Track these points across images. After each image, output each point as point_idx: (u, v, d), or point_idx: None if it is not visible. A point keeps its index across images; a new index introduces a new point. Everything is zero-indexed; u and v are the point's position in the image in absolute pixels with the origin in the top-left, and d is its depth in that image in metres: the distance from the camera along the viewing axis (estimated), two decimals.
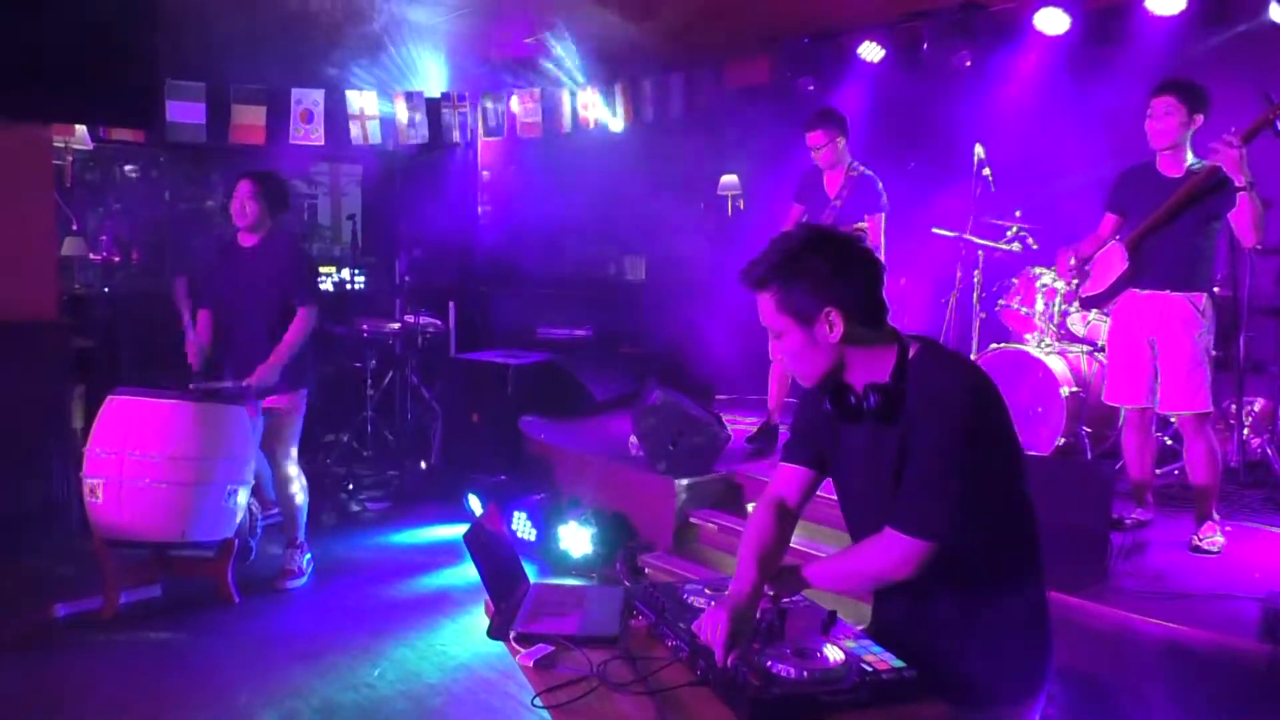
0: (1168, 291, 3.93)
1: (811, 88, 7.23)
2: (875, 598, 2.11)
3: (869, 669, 1.76)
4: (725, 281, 7.23)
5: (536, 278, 8.50)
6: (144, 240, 8.18)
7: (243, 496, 4.42)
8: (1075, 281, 4.23)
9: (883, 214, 5.30)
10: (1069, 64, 5.80)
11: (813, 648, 1.81)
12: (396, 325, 7.22)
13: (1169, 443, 4.91)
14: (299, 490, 4.74)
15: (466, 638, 4.17)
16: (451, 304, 7.42)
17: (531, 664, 1.88)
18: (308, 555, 4.81)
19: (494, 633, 2.06)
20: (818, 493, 2.16)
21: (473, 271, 7.91)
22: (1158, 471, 4.50)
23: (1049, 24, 5.75)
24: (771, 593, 1.97)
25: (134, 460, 4.10)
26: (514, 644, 1.97)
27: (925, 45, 6.46)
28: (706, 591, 2.10)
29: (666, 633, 1.95)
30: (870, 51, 6.81)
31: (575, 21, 6.76)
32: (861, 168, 5.42)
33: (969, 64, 6.24)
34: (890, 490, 1.86)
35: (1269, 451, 4.92)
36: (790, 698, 1.67)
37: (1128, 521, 4.12)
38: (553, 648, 1.93)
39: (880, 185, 5.35)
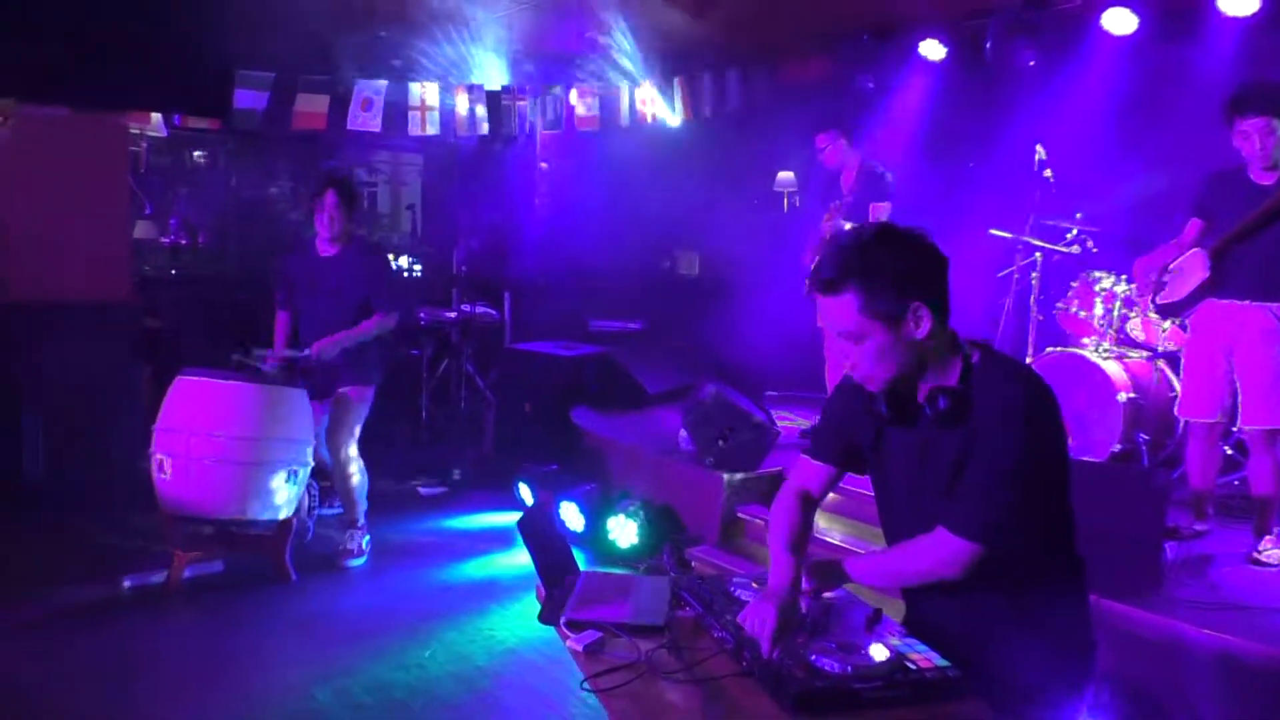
0: (1249, 302, 3.84)
1: (871, 85, 7.18)
2: (912, 595, 2.11)
3: (913, 666, 1.77)
4: (779, 278, 7.25)
5: (590, 270, 8.56)
6: (210, 225, 8.39)
7: (302, 477, 4.55)
8: (1154, 291, 4.14)
9: (888, 203, 5.34)
10: (1137, 64, 5.68)
11: (858, 643, 1.83)
12: (454, 314, 7.34)
13: (1229, 453, 4.82)
14: (358, 474, 4.86)
15: (515, 623, 4.25)
16: (507, 294, 7.51)
17: (581, 649, 1.93)
18: (366, 537, 4.93)
19: (544, 618, 2.11)
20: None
21: (528, 263, 7.99)
22: (1218, 482, 4.43)
23: (1117, 24, 5.65)
24: (813, 587, 2.00)
25: (200, 439, 4.23)
26: (564, 629, 2.02)
27: (989, 44, 6.38)
28: (754, 585, 2.13)
29: (713, 624, 1.98)
30: (932, 50, 6.75)
31: (634, 16, 6.78)
32: (873, 163, 5.47)
33: (1032, 63, 6.15)
34: (944, 492, 1.86)
35: None
36: (833, 692, 1.69)
37: (1185, 532, 4.06)
38: (601, 634, 1.97)
39: (889, 176, 5.44)
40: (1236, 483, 4.71)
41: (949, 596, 1.94)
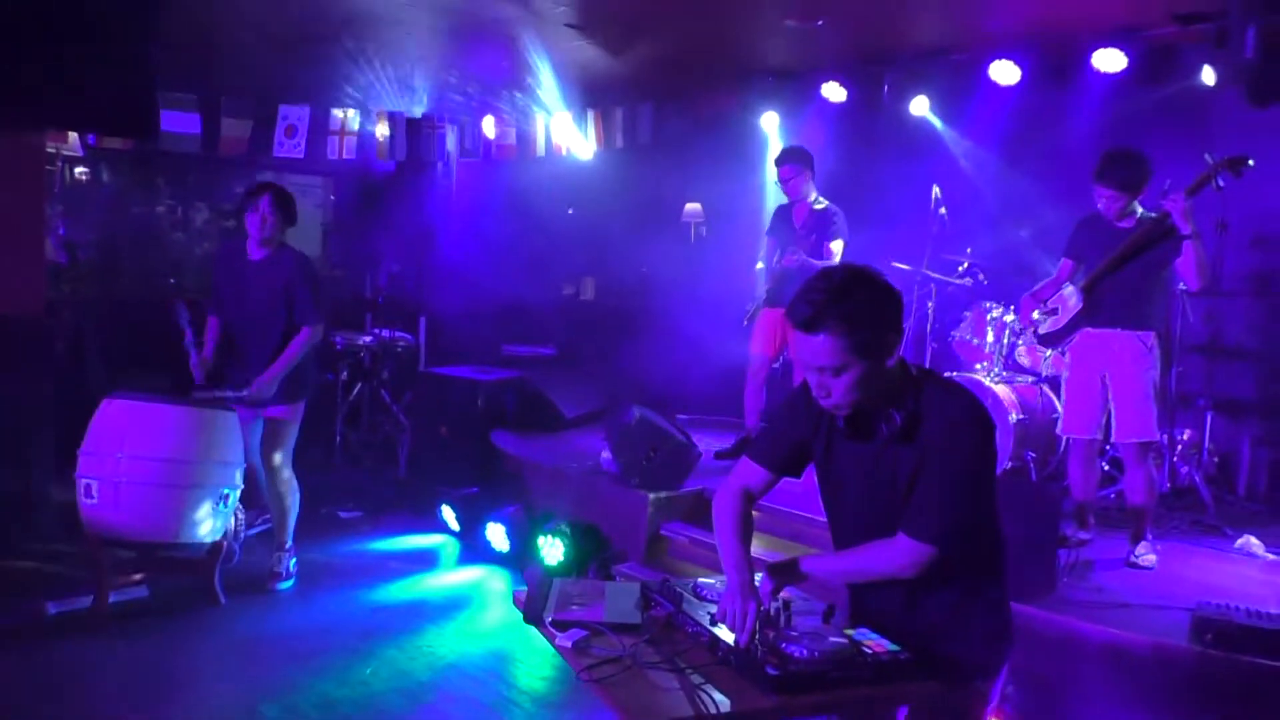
0: (1119, 329, 4.29)
1: (777, 122, 7.58)
2: (857, 590, 2.34)
3: (869, 652, 2.02)
4: (689, 306, 7.51)
5: (501, 296, 8.71)
6: (94, 244, 8.21)
7: (232, 500, 4.56)
8: (1038, 318, 4.57)
9: (842, 241, 5.68)
10: (1020, 112, 6.19)
11: (820, 633, 2.07)
12: (368, 338, 7.37)
13: (1106, 468, 5.29)
14: (291, 496, 4.88)
15: (452, 640, 4.36)
16: (423, 319, 7.59)
17: (570, 645, 2.11)
18: (294, 559, 4.95)
19: (529, 619, 2.27)
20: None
21: (443, 287, 8.08)
22: (1097, 495, 4.87)
23: (1002, 74, 6.15)
24: (774, 586, 2.22)
25: (130, 462, 4.22)
26: (550, 629, 2.19)
27: (885, 89, 6.84)
28: (717, 586, 2.34)
29: (686, 621, 2.19)
30: (833, 92, 7.17)
31: (552, 49, 6.99)
32: (824, 201, 5.80)
33: (926, 110, 6.63)
34: (899, 501, 2.11)
35: (1196, 478, 5.32)
36: (804, 675, 1.92)
37: (1072, 540, 4.45)
38: (586, 632, 2.15)
39: (840, 217, 5.73)
40: (1113, 495, 5.18)
41: (893, 590, 2.19)
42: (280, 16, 5.95)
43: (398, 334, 7.42)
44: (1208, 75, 5.35)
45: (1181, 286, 4.92)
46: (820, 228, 5.72)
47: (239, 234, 4.93)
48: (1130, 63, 5.64)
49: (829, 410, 2.18)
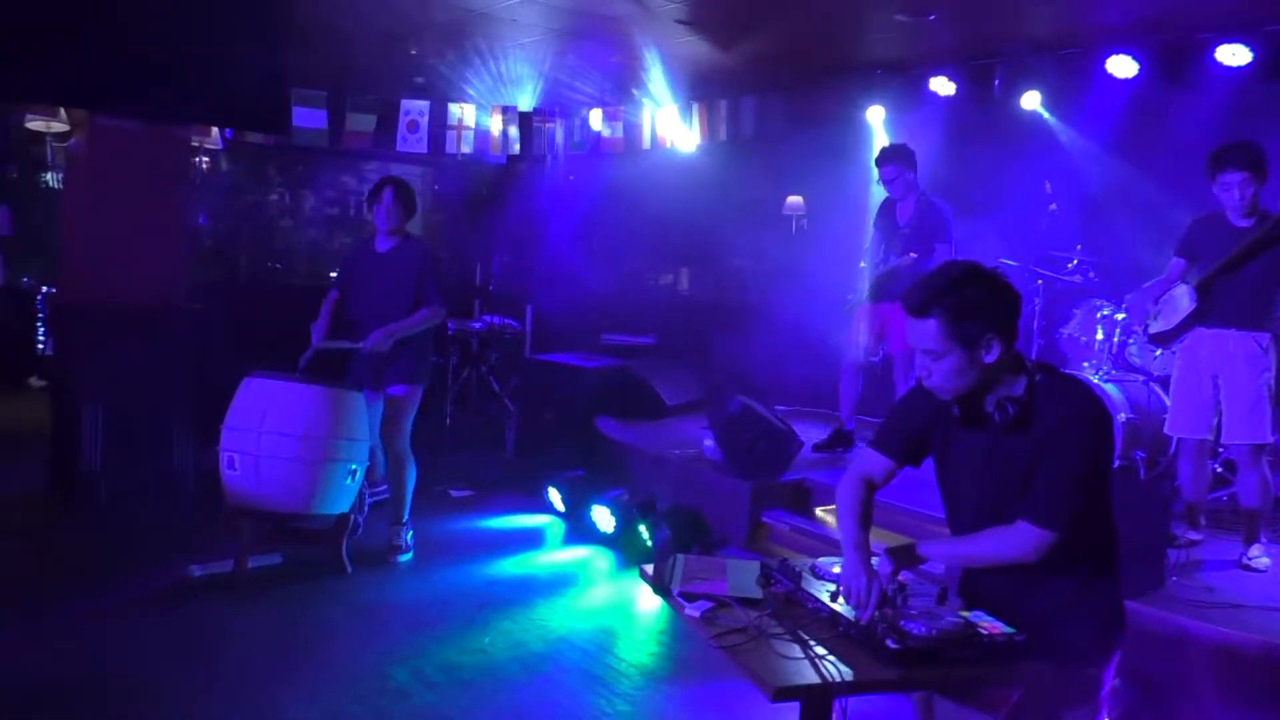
0: (1234, 330, 4.23)
1: (883, 115, 7.59)
2: (970, 575, 2.43)
3: (985, 633, 2.12)
4: (788, 298, 7.58)
5: (602, 286, 8.92)
6: (213, 232, 8.70)
7: (360, 475, 4.84)
8: (1152, 318, 4.54)
9: (951, 242, 5.67)
10: (1136, 108, 6.10)
11: (937, 613, 2.17)
12: (478, 324, 7.64)
13: (1219, 470, 5.20)
14: (409, 474, 5.15)
15: (563, 615, 4.56)
16: (529, 307, 7.83)
17: (699, 615, 2.25)
18: (411, 532, 5.22)
19: (658, 591, 2.42)
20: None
21: (547, 277, 8.32)
22: (1209, 496, 4.81)
23: (1119, 68, 6.06)
24: (893, 568, 2.33)
25: (270, 438, 4.51)
26: (679, 600, 2.34)
27: (996, 83, 6.79)
28: (834, 567, 2.45)
29: (806, 597, 2.32)
30: (942, 85, 7.14)
31: (658, 44, 7.13)
32: (931, 197, 5.80)
33: (1038, 104, 6.57)
34: (1013, 488, 2.21)
35: None
36: (923, 651, 2.03)
37: (1181, 540, 4.43)
38: (712, 604, 2.30)
39: (948, 214, 5.72)
40: (1225, 498, 5.10)
41: (1007, 576, 2.28)
42: (400, 16, 6.24)
43: (506, 321, 7.68)
44: None
45: None
46: (927, 227, 5.73)
47: (352, 224, 5.26)
48: (1255, 57, 5.51)
49: (932, 391, 2.30)
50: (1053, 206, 5.90)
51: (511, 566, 5.24)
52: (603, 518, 5.67)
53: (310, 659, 3.91)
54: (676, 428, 6.90)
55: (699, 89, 7.91)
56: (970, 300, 2.20)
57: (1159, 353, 5.40)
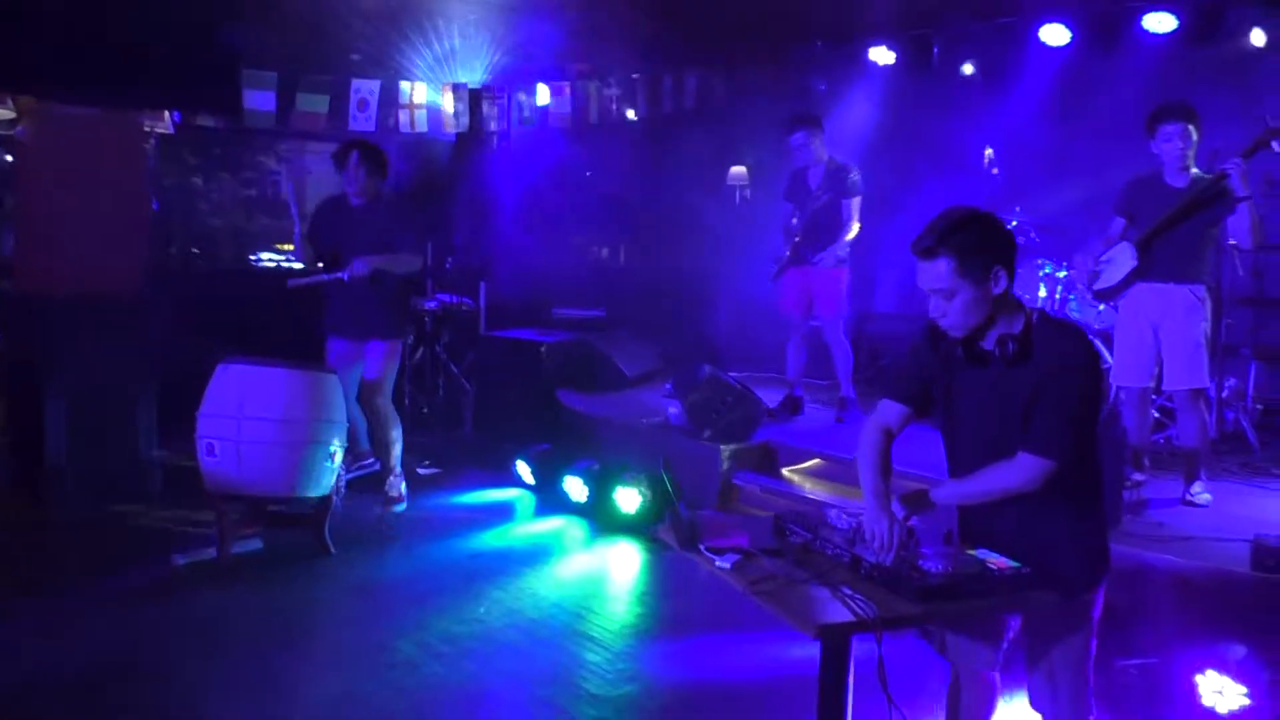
0: (1173, 283, 4.51)
1: (823, 88, 7.78)
2: (967, 515, 2.61)
3: (994, 568, 2.31)
4: (732, 266, 7.75)
5: (552, 261, 8.99)
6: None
7: (339, 456, 4.88)
8: (1095, 275, 4.79)
9: (857, 197, 5.87)
10: (1069, 74, 6.39)
11: (949, 553, 2.35)
12: (432, 303, 7.65)
13: (1157, 415, 5.54)
14: (395, 427, 5.38)
15: (548, 582, 4.70)
16: (483, 284, 7.87)
17: (729, 566, 2.40)
18: (404, 482, 5.44)
19: (685, 546, 2.56)
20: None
21: (498, 253, 8.36)
22: (1150, 439, 5.14)
23: (1052, 37, 6.34)
24: (906, 513, 2.50)
25: (250, 423, 4.53)
26: (707, 553, 2.48)
27: (935, 51, 7.03)
28: (845, 515, 2.62)
29: (825, 545, 2.48)
30: (881, 55, 7.36)
31: (606, 18, 7.20)
32: (838, 160, 5.98)
33: (975, 72, 6.82)
34: (1016, 421, 2.38)
35: (1243, 423, 5.58)
36: (944, 586, 2.21)
37: (1129, 481, 4.72)
38: (740, 556, 2.44)
39: (855, 173, 5.91)
40: (1163, 440, 5.44)
41: (1005, 514, 2.46)
42: None
43: (461, 299, 7.71)
44: (1257, 36, 5.54)
45: (1232, 242, 5.12)
46: (835, 186, 5.87)
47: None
48: (1180, 24, 5.83)
49: (946, 330, 2.45)
50: (994, 170, 6.15)
51: (491, 539, 5.34)
52: (575, 488, 5.79)
53: (313, 639, 3.98)
54: (637, 398, 7.03)
55: (642, 63, 7.99)
56: (975, 236, 2.36)
57: (1101, 308, 5.70)
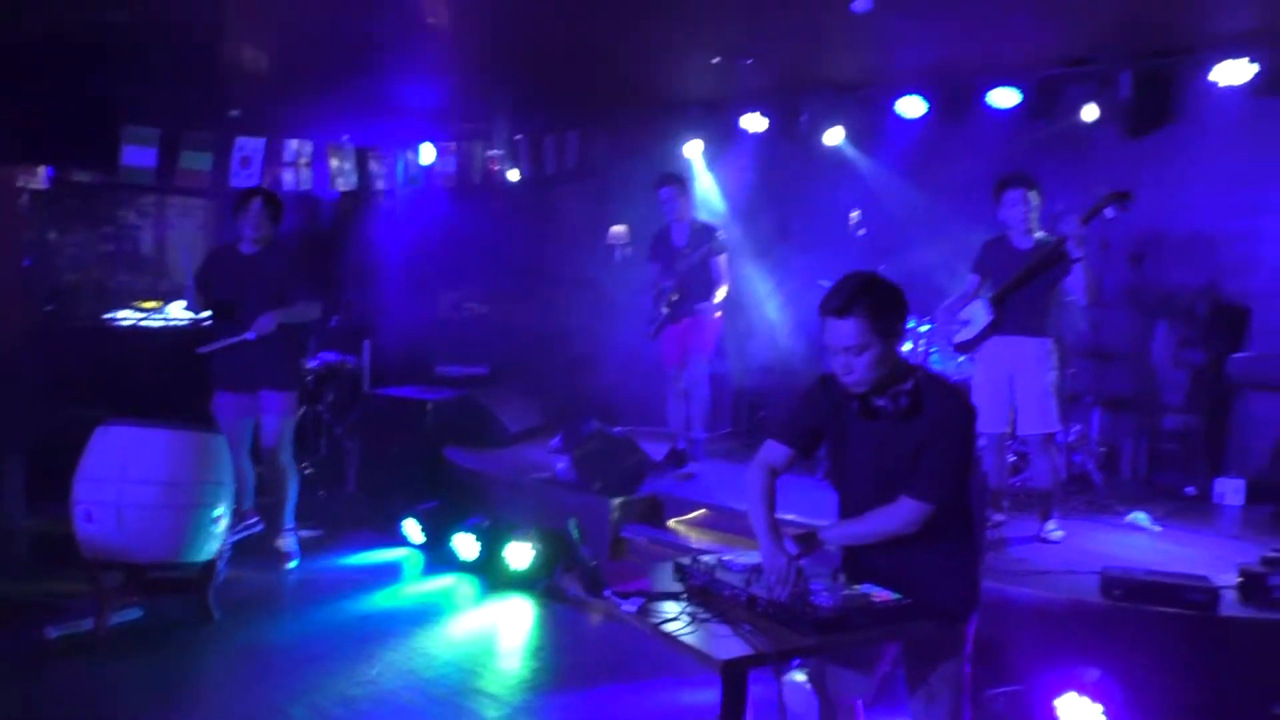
0: (1023, 337, 4.92)
1: (701, 148, 8.12)
2: (852, 554, 2.81)
3: (878, 600, 2.50)
4: (612, 323, 7.95)
5: (437, 318, 9.02)
6: None
7: (225, 519, 4.78)
8: (956, 330, 5.18)
9: (724, 254, 6.20)
10: (926, 142, 6.88)
11: (837, 588, 2.54)
12: (315, 362, 7.56)
13: (1012, 459, 5.95)
14: (293, 481, 5.46)
15: (442, 641, 4.69)
16: (366, 342, 7.83)
17: (635, 610, 2.53)
18: (295, 537, 5.48)
19: (591, 593, 2.67)
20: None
21: (383, 311, 8.34)
22: (1008, 482, 5.52)
23: (909, 108, 6.83)
24: (799, 552, 2.68)
25: (133, 486, 4.41)
26: (613, 598, 2.60)
27: (804, 119, 7.44)
28: (739, 560, 2.78)
29: (723, 586, 2.63)
30: (753, 121, 7.74)
31: (491, 80, 7.37)
32: (700, 220, 6.32)
33: (843, 138, 7.26)
34: (903, 470, 2.60)
35: (1088, 466, 6.05)
36: (834, 619, 2.39)
37: (990, 521, 5.06)
38: (644, 599, 2.57)
39: (720, 230, 6.26)
40: (1019, 483, 5.84)
41: (886, 552, 2.68)
42: (236, 52, 6.18)
43: (345, 357, 7.65)
44: (1090, 112, 6.11)
45: (1070, 298, 5.59)
46: (703, 244, 6.16)
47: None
48: (1022, 99, 6.37)
49: (850, 386, 2.65)
50: (861, 231, 6.53)
51: (381, 599, 5.30)
52: (466, 545, 5.80)
53: (201, 707, 3.89)
54: (522, 454, 7.10)
55: (526, 124, 8.18)
56: (883, 299, 2.60)
57: (960, 359, 6.10)
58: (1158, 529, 5.25)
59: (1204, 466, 6.15)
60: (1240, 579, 3.97)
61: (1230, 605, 3.86)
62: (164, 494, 4.45)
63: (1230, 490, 5.84)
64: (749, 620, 2.46)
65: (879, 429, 2.68)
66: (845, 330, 2.59)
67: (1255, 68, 5.65)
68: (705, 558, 2.83)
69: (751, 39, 6.34)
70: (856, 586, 2.60)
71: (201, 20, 5.43)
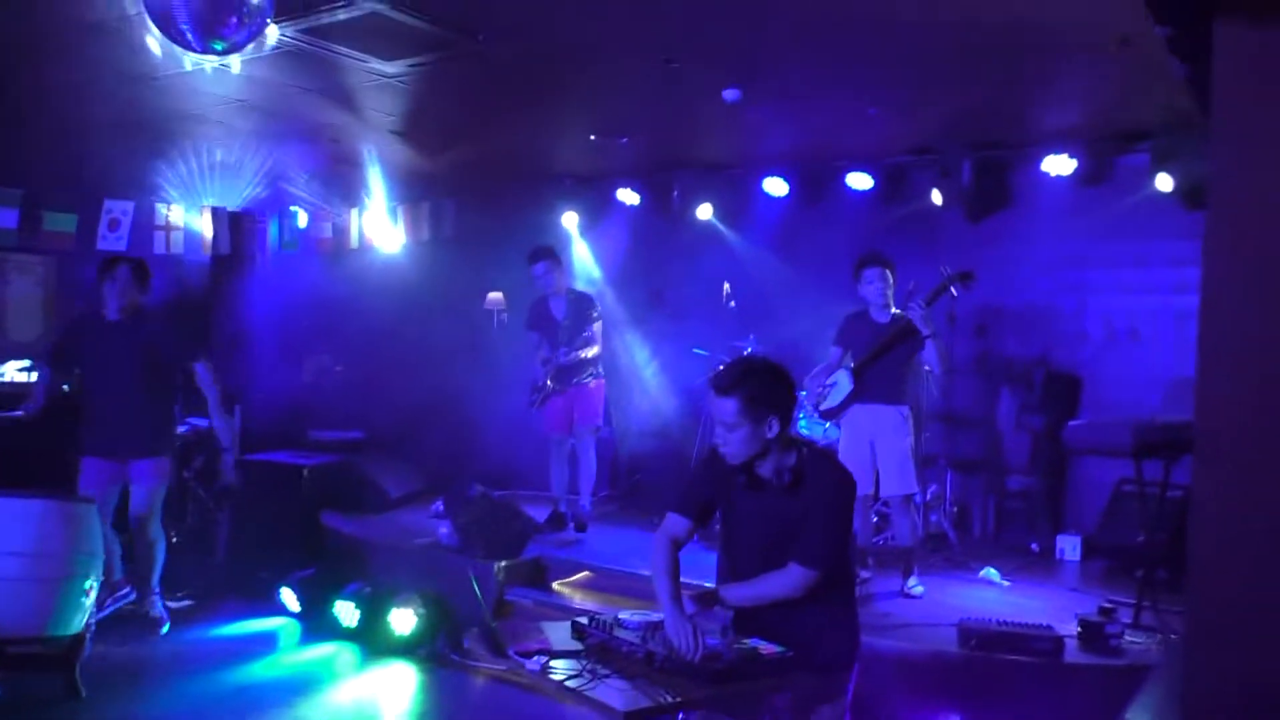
0: (882, 404, 5.31)
1: (577, 220, 8.40)
2: (742, 610, 3.02)
3: (765, 653, 2.72)
4: (489, 388, 8.08)
5: (309, 383, 8.92)
6: None
7: (95, 592, 4.64)
8: (821, 398, 5.53)
9: (599, 321, 6.50)
10: (790, 220, 7.35)
11: (728, 642, 2.74)
12: (183, 428, 7.36)
13: (875, 520, 6.33)
14: (161, 545, 5.42)
15: (326, 711, 4.66)
16: (238, 407, 7.67)
17: (539, 669, 2.66)
18: (163, 602, 5.43)
19: (495, 654, 2.79)
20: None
21: (255, 376, 8.20)
22: (873, 540, 5.88)
23: (774, 188, 7.29)
24: (696, 610, 2.87)
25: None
26: (517, 658, 2.72)
27: (675, 195, 7.82)
28: (635, 617, 2.94)
29: (621, 643, 2.79)
30: (627, 195, 8.08)
31: (372, 150, 7.47)
32: (576, 290, 6.60)
33: (712, 214, 7.66)
34: (787, 539, 2.83)
35: (944, 524, 6.49)
36: (727, 670, 2.59)
37: (857, 579, 5.37)
38: (546, 659, 2.70)
39: (596, 299, 6.58)
40: (881, 541, 6.21)
41: (773, 610, 2.90)
42: (105, 114, 6.11)
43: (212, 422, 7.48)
44: (936, 196, 6.68)
45: (926, 368, 6.05)
46: (580, 314, 6.45)
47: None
48: (876, 183, 6.91)
49: (726, 458, 2.88)
50: (731, 303, 6.90)
51: (259, 670, 5.20)
52: (346, 612, 5.74)
53: None
54: (402, 519, 7.09)
55: (403, 191, 8.29)
56: (761, 387, 2.83)
57: (827, 425, 6.48)
58: (1007, 583, 5.68)
59: (1046, 524, 6.69)
60: (1079, 629, 4.37)
61: (1073, 652, 4.24)
62: (31, 565, 4.30)
63: (1069, 546, 6.41)
64: (646, 675, 2.63)
65: (764, 499, 2.91)
66: (723, 407, 2.84)
67: (1074, 163, 6.32)
68: (602, 617, 2.98)
69: (628, 120, 6.68)
70: (746, 640, 2.80)
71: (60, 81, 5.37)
